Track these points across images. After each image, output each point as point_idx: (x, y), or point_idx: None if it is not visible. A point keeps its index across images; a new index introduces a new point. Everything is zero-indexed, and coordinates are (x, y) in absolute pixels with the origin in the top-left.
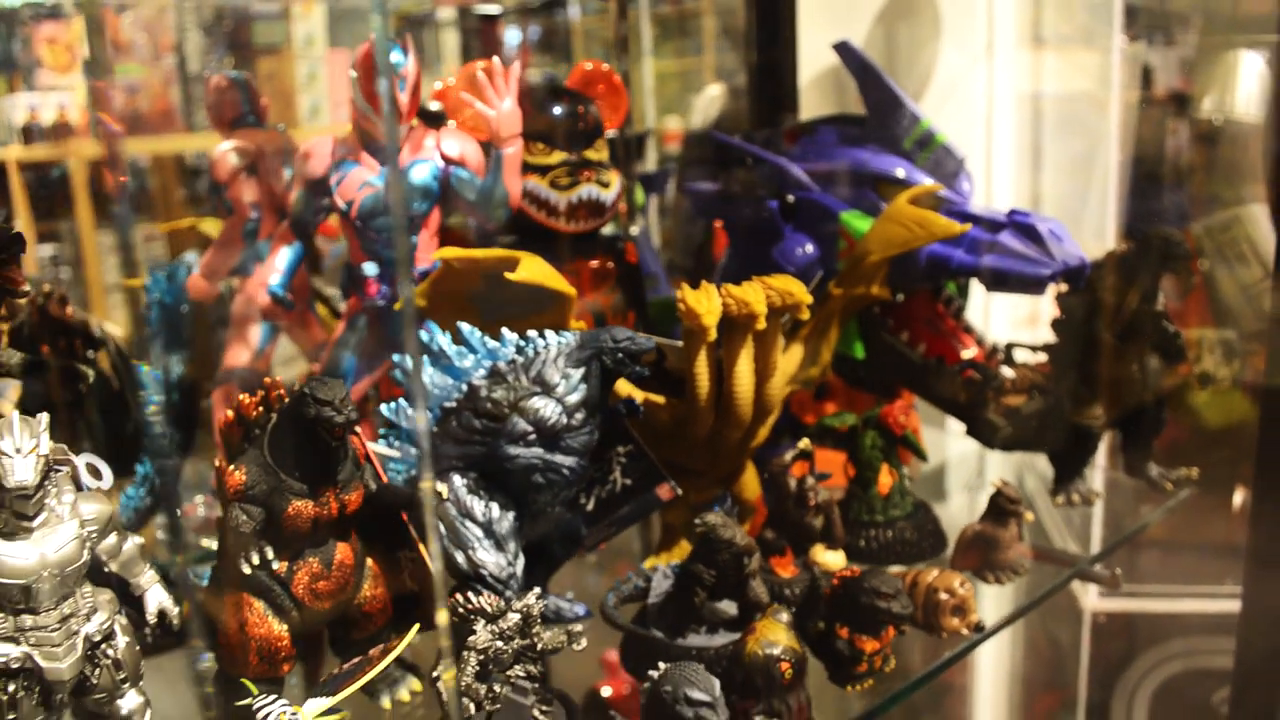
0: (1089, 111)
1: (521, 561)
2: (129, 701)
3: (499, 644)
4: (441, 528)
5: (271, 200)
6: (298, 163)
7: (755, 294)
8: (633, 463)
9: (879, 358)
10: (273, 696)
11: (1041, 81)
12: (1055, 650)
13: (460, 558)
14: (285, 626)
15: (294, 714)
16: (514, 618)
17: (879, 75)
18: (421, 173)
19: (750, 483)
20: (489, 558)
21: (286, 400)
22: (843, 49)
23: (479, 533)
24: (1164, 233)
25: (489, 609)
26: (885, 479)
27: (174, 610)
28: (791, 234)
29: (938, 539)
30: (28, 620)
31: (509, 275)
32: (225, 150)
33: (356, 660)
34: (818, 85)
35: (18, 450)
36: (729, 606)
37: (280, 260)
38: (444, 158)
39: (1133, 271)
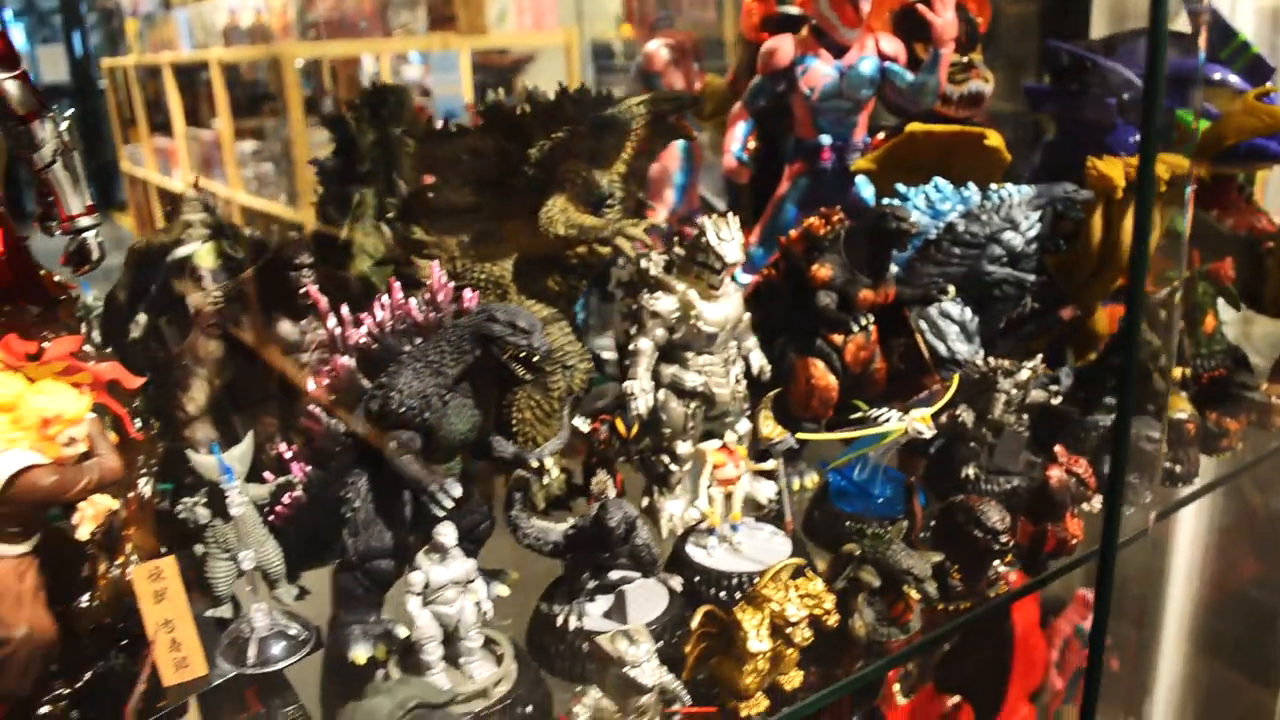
0: None
1: (982, 353)
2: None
3: (1014, 391)
4: (924, 324)
5: (689, 87)
6: (762, 56)
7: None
8: (1043, 290)
9: (1193, 230)
10: (881, 408)
11: None
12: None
13: (941, 347)
14: (835, 381)
15: (908, 415)
16: (1025, 373)
17: None
18: (868, 66)
19: (1101, 319)
20: (962, 347)
21: (848, 222)
22: None
23: (955, 329)
24: None
25: (1008, 365)
26: (1210, 321)
27: (769, 368)
28: (1123, 126)
29: (1248, 369)
30: (704, 359)
31: (986, 142)
32: (656, 47)
33: (926, 393)
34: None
35: (731, 238)
36: None
37: (738, 131)
38: (880, 55)
39: None
